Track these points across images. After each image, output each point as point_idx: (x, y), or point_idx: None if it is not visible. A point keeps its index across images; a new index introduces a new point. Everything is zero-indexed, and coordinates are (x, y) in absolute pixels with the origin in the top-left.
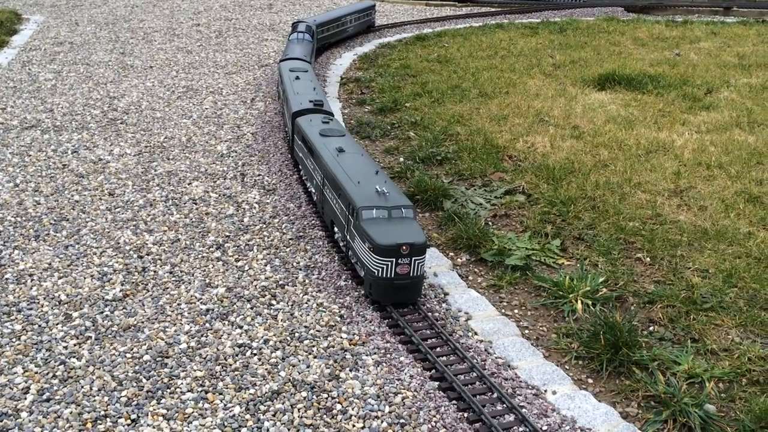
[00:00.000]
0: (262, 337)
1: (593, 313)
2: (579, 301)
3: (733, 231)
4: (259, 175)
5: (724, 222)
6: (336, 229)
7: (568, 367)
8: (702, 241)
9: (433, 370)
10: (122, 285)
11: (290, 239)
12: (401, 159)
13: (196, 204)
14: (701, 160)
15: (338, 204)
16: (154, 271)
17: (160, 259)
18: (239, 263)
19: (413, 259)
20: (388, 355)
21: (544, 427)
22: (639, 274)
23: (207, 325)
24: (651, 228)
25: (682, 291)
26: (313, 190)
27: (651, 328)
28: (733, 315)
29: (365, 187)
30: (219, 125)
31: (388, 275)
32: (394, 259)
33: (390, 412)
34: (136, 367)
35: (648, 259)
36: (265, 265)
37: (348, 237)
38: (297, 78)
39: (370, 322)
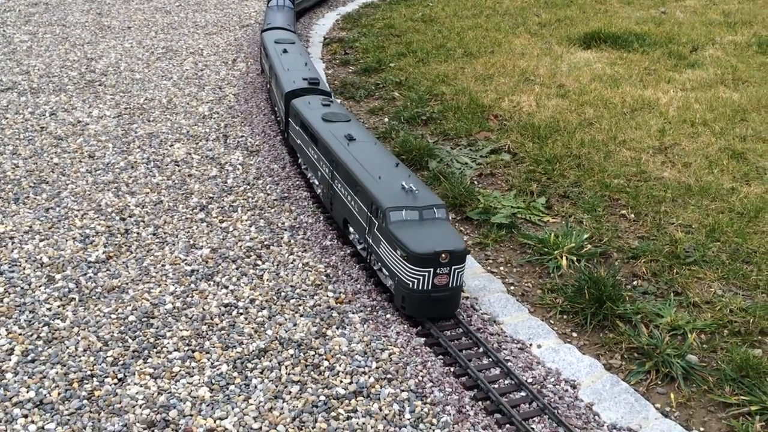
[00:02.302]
0: (248, 296)
1: (578, 269)
2: (564, 258)
3: (717, 187)
4: (242, 136)
5: (707, 178)
6: (351, 229)
7: (552, 322)
8: (686, 197)
9: (419, 327)
10: (105, 247)
11: (275, 200)
12: (386, 119)
13: (178, 166)
14: (686, 117)
15: (354, 202)
16: (137, 233)
17: (143, 221)
18: (223, 224)
19: (453, 267)
20: (375, 313)
21: (530, 380)
22: (623, 230)
23: (192, 285)
24: (635, 185)
25: (666, 246)
26: (317, 183)
27: (634, 283)
28: (716, 268)
29: (388, 183)
30: (200, 86)
31: (425, 287)
32: (431, 269)
33: (377, 368)
34: (122, 328)
35: (632, 215)
36: (250, 226)
37: (370, 241)
38: (285, 51)
39: (356, 280)
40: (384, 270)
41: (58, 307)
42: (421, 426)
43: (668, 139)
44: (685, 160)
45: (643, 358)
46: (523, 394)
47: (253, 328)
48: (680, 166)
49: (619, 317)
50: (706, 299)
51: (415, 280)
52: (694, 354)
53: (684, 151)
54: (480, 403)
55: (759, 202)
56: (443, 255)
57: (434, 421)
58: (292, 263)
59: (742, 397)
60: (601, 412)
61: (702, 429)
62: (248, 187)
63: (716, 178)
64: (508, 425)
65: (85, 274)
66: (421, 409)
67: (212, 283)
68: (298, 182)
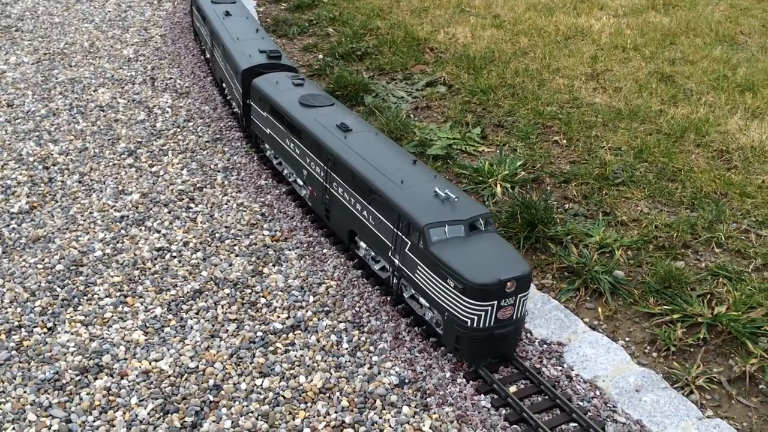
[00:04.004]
0: (182, 239)
1: (512, 195)
2: (498, 185)
3: (645, 109)
4: (170, 78)
5: (637, 101)
6: (363, 244)
7: None
8: (616, 121)
9: (349, 252)
10: (28, 197)
11: (207, 142)
12: (320, 56)
13: (103, 111)
14: (617, 43)
15: (369, 213)
16: (62, 182)
17: (68, 169)
18: (153, 168)
19: (518, 296)
20: (311, 249)
21: None
22: (556, 156)
23: (122, 231)
24: (568, 111)
25: (596, 169)
26: (301, 183)
27: (566, 206)
28: (643, 188)
29: (415, 189)
30: (124, 29)
31: (487, 324)
32: (495, 302)
33: (314, 302)
34: (49, 278)
35: (564, 141)
36: (182, 169)
37: (398, 263)
38: (227, 14)
39: (292, 218)
40: (422, 300)
41: None
42: (359, 354)
43: (600, 66)
44: (616, 85)
45: (573, 276)
46: None
47: (187, 270)
48: (611, 91)
49: (550, 239)
50: (633, 217)
51: (475, 317)
52: (620, 269)
53: (615, 77)
54: (416, 328)
55: (685, 123)
56: (509, 283)
57: (372, 348)
58: (226, 204)
59: (665, 307)
60: (533, 329)
61: (627, 339)
62: (179, 129)
63: (645, 102)
64: (432, 338)
65: (8, 225)
66: (359, 338)
67: (143, 228)
68: (230, 123)
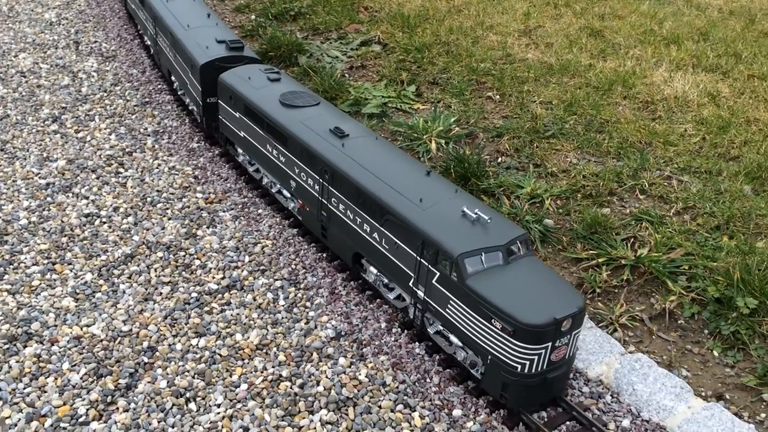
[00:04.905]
0: (111, 205)
1: (446, 151)
2: (433, 142)
3: (575, 64)
4: (95, 42)
5: (567, 56)
6: (374, 269)
7: None
8: (547, 76)
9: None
10: None
11: (135, 106)
12: (253, 17)
13: (25, 77)
14: None
15: (381, 235)
16: None
17: None
18: (80, 134)
19: (573, 333)
20: (246, 209)
21: None
22: (489, 111)
23: (48, 199)
24: (501, 68)
25: (528, 123)
26: (290, 196)
27: (499, 159)
28: (572, 140)
29: (438, 208)
30: None
31: (539, 369)
32: (550, 344)
33: (250, 261)
34: None
35: (498, 96)
36: (110, 134)
37: (427, 297)
38: None
39: (226, 180)
40: (453, 338)
41: None
42: (295, 310)
43: (533, 22)
44: (547, 41)
45: None
46: None
47: (118, 235)
48: (543, 47)
49: (483, 192)
50: (562, 168)
51: (527, 362)
52: (550, 218)
53: (547, 33)
54: (352, 282)
55: (613, 76)
56: (565, 322)
57: (308, 304)
58: (157, 168)
59: (591, 252)
60: None
61: None
62: (105, 94)
63: (575, 56)
64: (368, 291)
65: None
66: (295, 295)
67: (71, 194)
68: (159, 86)
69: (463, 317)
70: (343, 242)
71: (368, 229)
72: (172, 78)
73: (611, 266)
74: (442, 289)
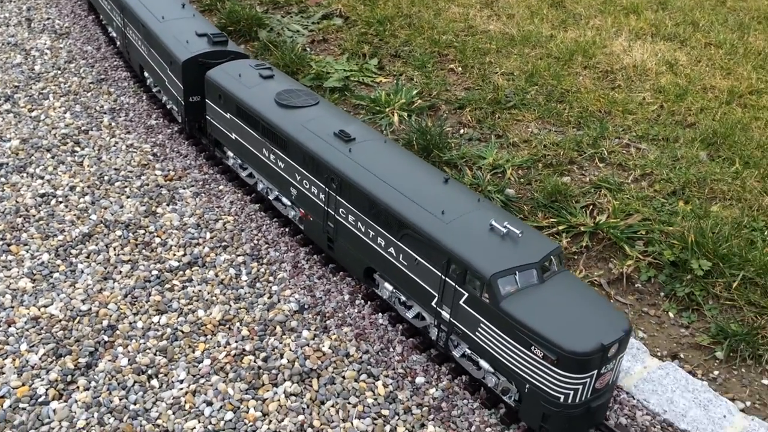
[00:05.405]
0: (67, 184)
1: (408, 123)
2: (395, 114)
3: (537, 35)
4: (48, 19)
5: (529, 27)
6: (389, 286)
7: None
8: (509, 47)
9: (246, 187)
10: None
11: (91, 83)
12: None
13: None
14: None
15: (399, 251)
16: None
17: None
18: (33, 113)
19: (618, 357)
20: (207, 186)
21: None
22: (451, 83)
23: (2, 179)
24: (463, 40)
25: (489, 94)
26: (290, 204)
27: (461, 131)
28: (533, 110)
29: (463, 223)
30: None
31: (583, 398)
32: (595, 372)
33: (212, 238)
34: None
35: (460, 68)
36: (65, 113)
37: (453, 318)
38: None
39: (186, 156)
40: (483, 363)
41: None
42: (258, 285)
43: None
44: (509, 12)
45: None
46: None
47: (75, 214)
48: (505, 18)
49: (446, 163)
50: (524, 138)
51: (570, 392)
52: (512, 188)
53: (508, 4)
54: (315, 256)
55: (573, 46)
56: (612, 348)
57: (271, 278)
58: (114, 146)
59: (552, 220)
60: None
61: None
62: (59, 72)
63: (537, 27)
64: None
65: None
66: (258, 270)
67: (25, 174)
68: (115, 63)
69: (496, 342)
70: (353, 256)
71: (383, 243)
72: (145, 74)
73: (571, 233)
74: (471, 311)
